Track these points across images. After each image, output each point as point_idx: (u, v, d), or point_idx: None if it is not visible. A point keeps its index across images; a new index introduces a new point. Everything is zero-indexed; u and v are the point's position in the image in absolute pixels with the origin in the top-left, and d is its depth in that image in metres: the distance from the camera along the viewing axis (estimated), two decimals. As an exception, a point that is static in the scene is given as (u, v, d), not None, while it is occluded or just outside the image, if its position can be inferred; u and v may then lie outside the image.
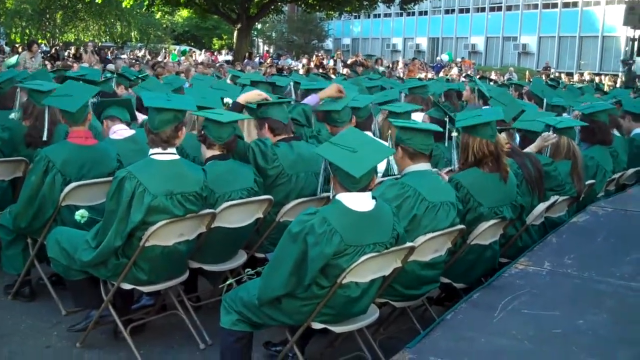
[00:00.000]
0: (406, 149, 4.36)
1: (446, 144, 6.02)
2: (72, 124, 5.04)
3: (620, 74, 17.81)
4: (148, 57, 28.02)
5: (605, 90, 14.18)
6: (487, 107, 7.74)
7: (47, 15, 35.23)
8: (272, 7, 31.60)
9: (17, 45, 27.60)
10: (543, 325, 3.60)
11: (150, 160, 4.26)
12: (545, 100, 8.85)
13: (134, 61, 23.09)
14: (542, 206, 5.15)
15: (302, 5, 32.24)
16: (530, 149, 5.60)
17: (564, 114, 7.91)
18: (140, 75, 10.20)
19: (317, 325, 3.85)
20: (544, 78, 19.63)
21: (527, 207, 5.04)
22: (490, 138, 4.69)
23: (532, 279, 4.27)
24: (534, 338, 3.44)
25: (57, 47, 28.59)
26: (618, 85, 23.50)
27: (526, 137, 5.97)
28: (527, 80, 17.77)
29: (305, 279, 3.64)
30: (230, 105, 5.47)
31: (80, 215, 4.62)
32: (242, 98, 5.35)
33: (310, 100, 6.04)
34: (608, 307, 3.88)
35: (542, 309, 3.80)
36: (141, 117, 6.22)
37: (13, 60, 12.92)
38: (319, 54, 31.86)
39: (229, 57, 30.39)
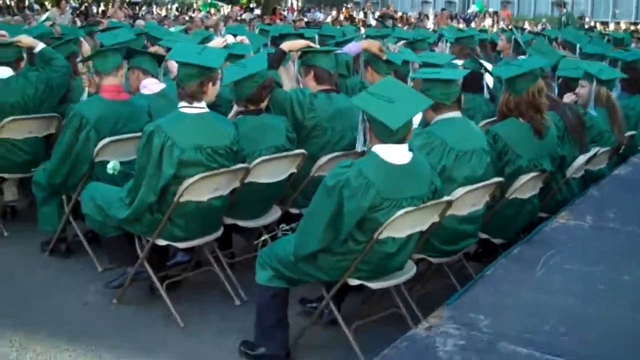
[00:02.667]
0: None
1: (485, 96, 5.93)
2: (102, 73, 5.00)
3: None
4: (175, 13, 27.84)
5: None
6: (523, 57, 7.56)
7: (75, -29, 35.13)
8: (301, -42, 31.13)
9: (46, 3, 27.60)
10: (587, 280, 3.53)
11: (179, 114, 4.22)
12: (578, 47, 8.61)
13: (163, 17, 22.99)
14: (582, 158, 5.00)
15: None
16: None
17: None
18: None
19: (353, 282, 3.80)
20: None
21: (569, 159, 4.91)
22: (515, 93, 4.61)
23: (574, 233, 4.18)
24: (578, 294, 3.38)
25: (87, 4, 28.51)
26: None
27: (567, 84, 5.80)
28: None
29: (341, 234, 3.58)
30: (272, 53, 5.41)
31: (112, 167, 4.59)
32: (287, 45, 5.33)
33: (352, 48, 5.94)
34: (654, 261, 3.79)
35: (585, 264, 3.73)
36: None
37: (43, 17, 12.97)
38: (348, 6, 31.42)
39: (258, 12, 30.05)
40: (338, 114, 4.98)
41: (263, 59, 4.94)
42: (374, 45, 5.91)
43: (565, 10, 17.84)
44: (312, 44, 5.41)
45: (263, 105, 4.75)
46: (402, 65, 6.10)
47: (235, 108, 4.89)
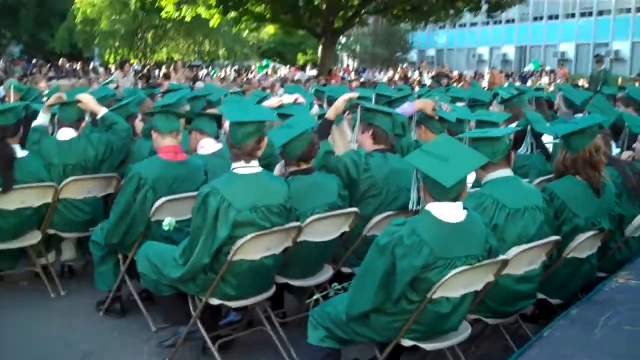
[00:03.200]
0: None
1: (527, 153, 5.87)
2: (161, 132, 5.17)
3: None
4: (234, 74, 28.51)
5: None
6: (579, 115, 7.48)
7: (139, 35, 36.38)
8: (357, 20, 31.62)
9: (109, 66, 28.62)
10: (648, 343, 3.39)
11: (233, 175, 4.25)
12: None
13: (223, 79, 23.53)
14: (642, 217, 4.89)
15: (388, 16, 32.12)
16: None
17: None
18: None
19: (406, 342, 3.74)
20: (637, 85, 18.88)
21: (628, 217, 4.80)
22: (572, 151, 4.58)
23: (635, 293, 4.06)
24: (638, 357, 3.24)
25: (149, 67, 29.45)
26: None
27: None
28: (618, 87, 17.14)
29: (394, 293, 3.54)
30: (320, 124, 5.45)
31: (168, 224, 4.66)
32: (331, 113, 5.36)
33: (407, 109, 5.97)
34: None
35: (646, 326, 3.59)
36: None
37: (108, 79, 13.55)
38: (404, 66, 31.67)
39: (314, 72, 30.55)
40: (392, 174, 4.96)
41: (307, 116, 4.99)
42: (428, 105, 5.94)
43: (603, 67, 17.49)
44: (352, 95, 5.46)
45: (312, 162, 4.79)
46: (456, 123, 6.09)
47: (277, 167, 4.93)
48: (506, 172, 4.30)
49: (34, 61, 30.76)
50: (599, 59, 18.09)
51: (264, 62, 32.29)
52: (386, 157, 5.01)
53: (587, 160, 4.56)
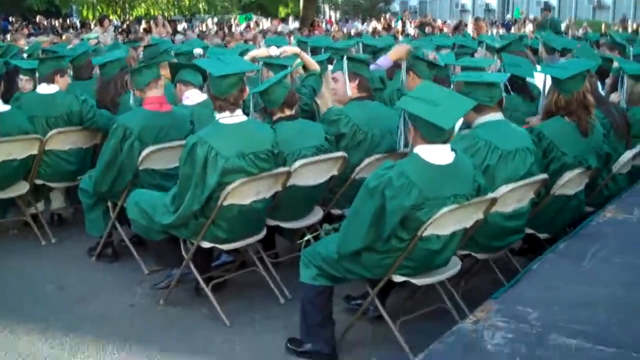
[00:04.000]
0: None
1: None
2: (139, 88, 5.18)
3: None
4: (215, 27, 28.13)
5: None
6: (563, 59, 7.48)
7: (117, -9, 35.76)
8: (338, -29, 31.17)
9: (88, 22, 28.14)
10: (636, 272, 3.46)
11: (219, 125, 4.28)
12: (631, 50, 8.47)
13: (203, 32, 23.24)
14: (628, 154, 4.96)
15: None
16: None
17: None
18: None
19: (397, 278, 3.81)
20: (620, 31, 18.93)
21: (615, 156, 4.86)
22: (565, 93, 4.60)
23: (622, 226, 4.11)
24: (628, 285, 3.31)
25: (129, 22, 28.94)
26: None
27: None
28: (602, 33, 17.11)
29: (384, 233, 3.58)
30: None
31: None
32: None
33: (383, 62, 5.97)
34: None
35: (634, 256, 3.65)
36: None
37: (92, 35, 13.37)
38: (386, 17, 31.39)
39: (296, 24, 30.20)
40: (374, 120, 5.03)
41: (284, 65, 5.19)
42: (402, 51, 5.91)
43: (550, 15, 17.98)
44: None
45: (296, 109, 4.83)
46: (442, 68, 6.07)
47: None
48: (498, 115, 4.32)
49: (10, 19, 30.21)
50: (546, 6, 18.91)
51: (245, 16, 31.80)
52: (364, 104, 5.06)
53: (581, 101, 4.60)
